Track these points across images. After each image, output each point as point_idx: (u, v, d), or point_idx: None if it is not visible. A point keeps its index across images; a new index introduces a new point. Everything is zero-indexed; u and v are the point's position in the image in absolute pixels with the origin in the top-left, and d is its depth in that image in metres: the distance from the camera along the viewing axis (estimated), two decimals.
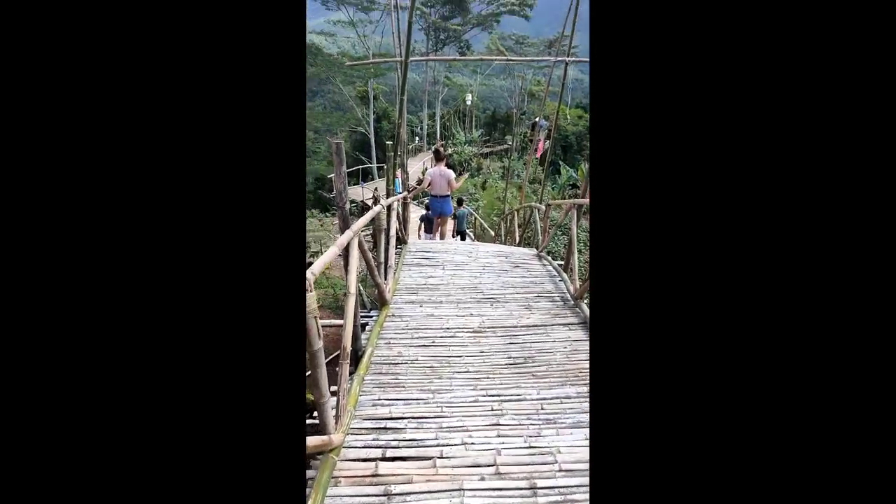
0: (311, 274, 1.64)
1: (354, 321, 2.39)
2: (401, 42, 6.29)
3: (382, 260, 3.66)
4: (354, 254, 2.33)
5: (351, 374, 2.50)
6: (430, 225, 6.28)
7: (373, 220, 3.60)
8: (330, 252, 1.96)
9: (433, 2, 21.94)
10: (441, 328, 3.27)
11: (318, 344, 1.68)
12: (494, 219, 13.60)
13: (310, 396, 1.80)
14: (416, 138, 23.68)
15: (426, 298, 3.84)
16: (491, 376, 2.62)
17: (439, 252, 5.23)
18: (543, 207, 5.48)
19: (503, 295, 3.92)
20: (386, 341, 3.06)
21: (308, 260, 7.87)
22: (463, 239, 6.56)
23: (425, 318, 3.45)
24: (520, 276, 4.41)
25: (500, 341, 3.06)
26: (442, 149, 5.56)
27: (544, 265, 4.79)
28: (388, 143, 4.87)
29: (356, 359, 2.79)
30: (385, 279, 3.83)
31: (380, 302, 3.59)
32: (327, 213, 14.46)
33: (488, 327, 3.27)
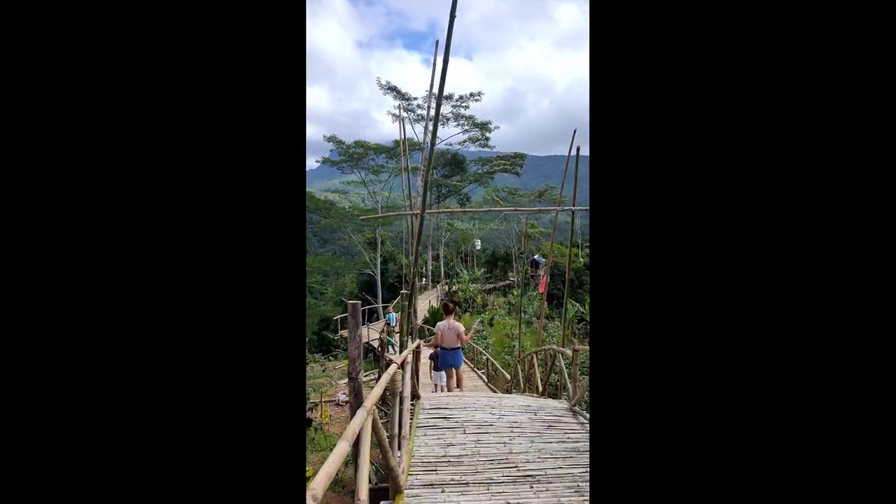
0: (311, 499, 1.17)
1: None
2: (410, 197, 6.91)
3: (396, 431, 3.07)
4: (366, 443, 1.84)
5: None
6: (437, 364, 6.07)
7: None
8: (339, 450, 1.51)
9: (435, 163, 25.22)
10: None
11: None
12: (506, 357, 12.87)
13: None
14: (423, 278, 24.39)
15: (448, 479, 3.11)
16: None
17: (457, 409, 4.57)
18: (569, 352, 5.02)
19: (543, 470, 3.19)
20: None
21: (306, 416, 6.96)
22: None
23: None
24: (557, 440, 3.71)
25: None
26: (451, 303, 5.57)
27: (582, 423, 4.10)
28: (402, 292, 4.72)
29: None
30: (399, 449, 3.17)
31: (392, 489, 2.87)
32: (329, 357, 13.80)
33: None
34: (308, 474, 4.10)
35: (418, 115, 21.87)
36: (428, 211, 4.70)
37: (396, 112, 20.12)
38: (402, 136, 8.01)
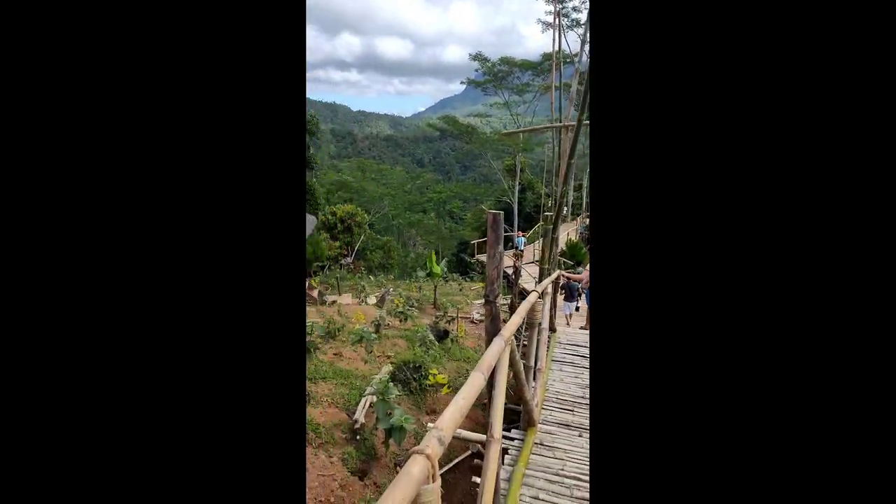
0: (437, 441, 0.93)
1: (497, 483, 1.57)
2: (562, 112, 6.02)
3: (532, 363, 2.82)
4: (503, 376, 1.57)
5: None
6: (570, 294, 6.17)
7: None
8: (474, 382, 1.25)
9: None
10: None
11: None
12: None
13: None
14: (563, 209, 23.06)
15: (584, 421, 2.79)
16: None
17: None
18: None
19: None
20: (533, 493, 2.12)
21: (444, 327, 7.39)
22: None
23: (586, 456, 2.40)
24: None
25: None
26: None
27: None
28: (546, 214, 4.23)
29: None
30: (534, 380, 2.95)
31: (525, 420, 2.70)
32: (466, 278, 14.48)
33: None
34: (443, 380, 4.27)
35: (572, 21, 18.84)
36: (586, 122, 3.87)
37: (548, 19, 17.70)
38: (556, 44, 6.84)
